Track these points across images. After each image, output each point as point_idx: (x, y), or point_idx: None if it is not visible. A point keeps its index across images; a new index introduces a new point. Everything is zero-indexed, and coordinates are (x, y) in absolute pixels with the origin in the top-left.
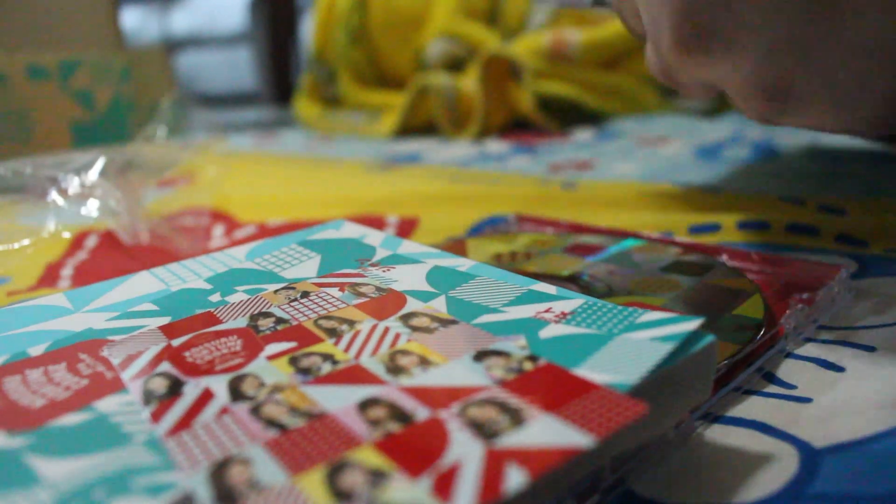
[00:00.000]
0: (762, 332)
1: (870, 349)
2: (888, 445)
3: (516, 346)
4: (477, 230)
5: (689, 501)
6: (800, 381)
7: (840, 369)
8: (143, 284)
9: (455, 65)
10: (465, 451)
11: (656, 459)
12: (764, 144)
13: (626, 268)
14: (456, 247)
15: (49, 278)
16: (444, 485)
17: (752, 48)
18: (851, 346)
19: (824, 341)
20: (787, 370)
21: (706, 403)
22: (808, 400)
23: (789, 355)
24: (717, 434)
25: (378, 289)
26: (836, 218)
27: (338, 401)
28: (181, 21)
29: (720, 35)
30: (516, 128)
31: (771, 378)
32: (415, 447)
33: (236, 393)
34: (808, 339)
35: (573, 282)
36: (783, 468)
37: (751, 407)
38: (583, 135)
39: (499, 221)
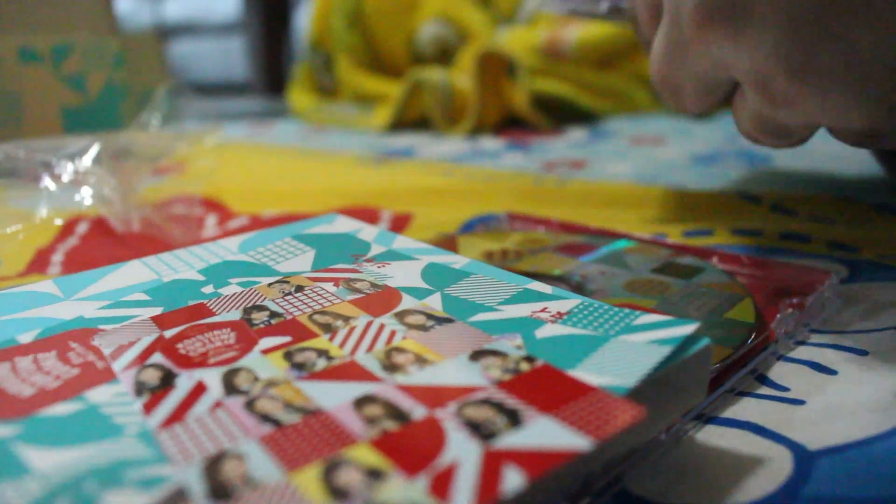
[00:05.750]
0: (753, 336)
1: (862, 353)
2: (881, 449)
3: (512, 345)
4: (468, 227)
5: (682, 503)
6: (792, 384)
7: (832, 372)
8: (134, 273)
9: (445, 51)
10: (462, 451)
11: (648, 462)
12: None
13: (618, 268)
14: (447, 243)
15: (39, 264)
16: (442, 485)
17: (773, 20)
18: (843, 349)
19: (816, 345)
20: (780, 373)
21: (700, 405)
22: (801, 402)
23: (781, 358)
24: (711, 435)
25: (373, 285)
26: (827, 226)
27: (333, 397)
28: (174, 8)
29: (743, 4)
30: (510, 125)
31: (764, 380)
32: (411, 446)
33: (230, 387)
34: (800, 343)
35: (564, 281)
36: (778, 470)
37: (744, 408)
38: (576, 133)
39: (490, 219)
